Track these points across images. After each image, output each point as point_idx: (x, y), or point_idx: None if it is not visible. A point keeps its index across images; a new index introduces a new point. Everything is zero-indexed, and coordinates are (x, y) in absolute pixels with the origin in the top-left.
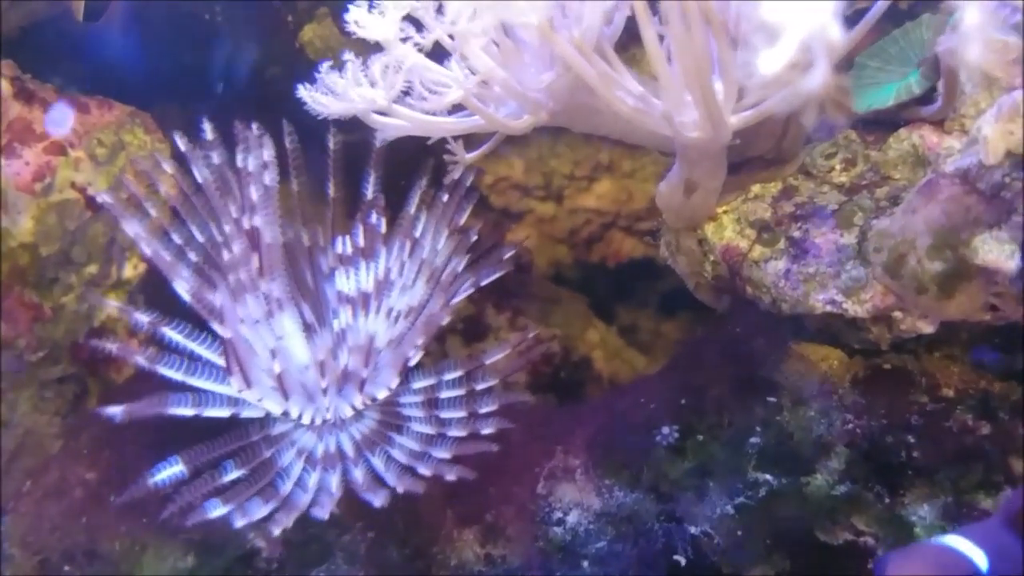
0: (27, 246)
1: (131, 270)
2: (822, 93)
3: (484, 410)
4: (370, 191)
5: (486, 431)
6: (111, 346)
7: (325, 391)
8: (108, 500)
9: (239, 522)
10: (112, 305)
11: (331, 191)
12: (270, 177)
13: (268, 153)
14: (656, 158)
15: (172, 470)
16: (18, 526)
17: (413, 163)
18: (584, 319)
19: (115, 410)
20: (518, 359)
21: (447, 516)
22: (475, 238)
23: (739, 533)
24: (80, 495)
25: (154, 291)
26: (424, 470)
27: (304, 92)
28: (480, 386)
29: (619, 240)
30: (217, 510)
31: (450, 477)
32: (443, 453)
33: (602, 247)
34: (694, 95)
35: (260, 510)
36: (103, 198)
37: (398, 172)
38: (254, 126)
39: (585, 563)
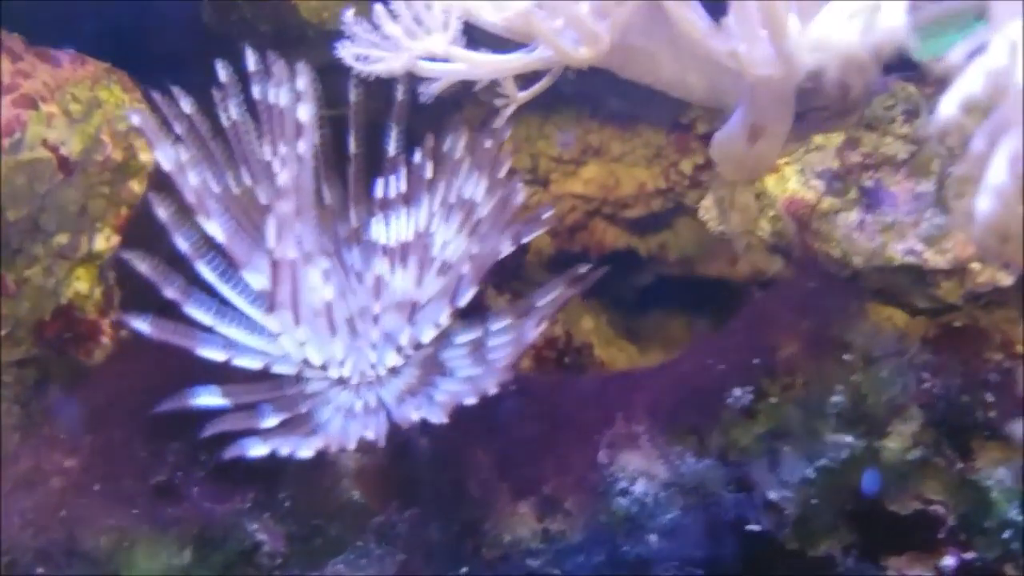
0: None
1: (103, 242)
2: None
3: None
4: (392, 147)
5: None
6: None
7: (374, 345)
8: (91, 490)
9: (284, 450)
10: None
11: (352, 147)
12: (307, 112)
13: (303, 81)
14: (647, 140)
15: (212, 398)
16: None
17: (432, 121)
18: (578, 306)
19: (142, 324)
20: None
21: (500, 489)
22: (520, 184)
23: (813, 502)
24: (58, 485)
25: (127, 267)
26: (471, 399)
27: (346, 51)
28: (528, 323)
29: (602, 230)
30: (257, 448)
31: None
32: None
33: (585, 236)
34: (769, 28)
35: (304, 448)
36: (135, 119)
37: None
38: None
39: (653, 537)
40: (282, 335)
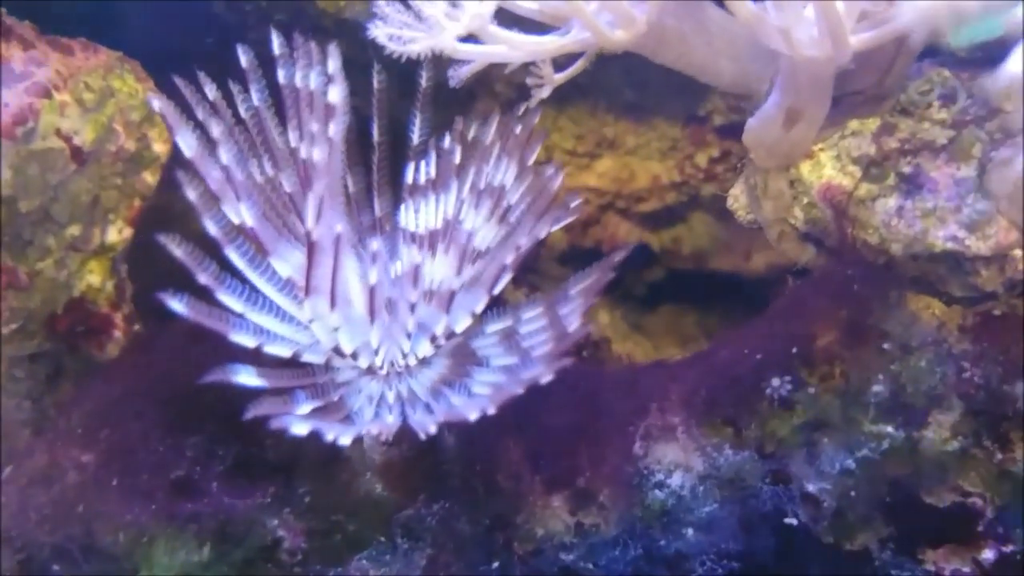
0: (3, 200)
1: (116, 234)
2: None
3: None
4: (416, 135)
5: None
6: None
7: (408, 334)
8: (109, 485)
9: (329, 435)
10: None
11: (376, 135)
12: (338, 93)
13: (334, 64)
14: (661, 134)
15: (249, 377)
16: None
17: (445, 114)
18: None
19: (178, 305)
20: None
21: (532, 482)
22: (552, 172)
23: (852, 494)
24: (75, 479)
25: (140, 260)
26: (519, 388)
27: (380, 31)
28: (564, 310)
29: (615, 224)
30: (298, 425)
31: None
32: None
33: (598, 230)
34: (816, 8)
35: (344, 435)
36: (155, 104)
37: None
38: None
39: (689, 531)
40: (314, 321)
